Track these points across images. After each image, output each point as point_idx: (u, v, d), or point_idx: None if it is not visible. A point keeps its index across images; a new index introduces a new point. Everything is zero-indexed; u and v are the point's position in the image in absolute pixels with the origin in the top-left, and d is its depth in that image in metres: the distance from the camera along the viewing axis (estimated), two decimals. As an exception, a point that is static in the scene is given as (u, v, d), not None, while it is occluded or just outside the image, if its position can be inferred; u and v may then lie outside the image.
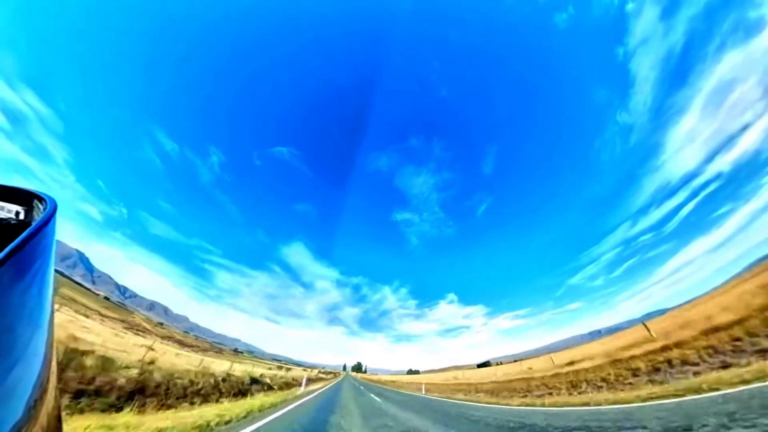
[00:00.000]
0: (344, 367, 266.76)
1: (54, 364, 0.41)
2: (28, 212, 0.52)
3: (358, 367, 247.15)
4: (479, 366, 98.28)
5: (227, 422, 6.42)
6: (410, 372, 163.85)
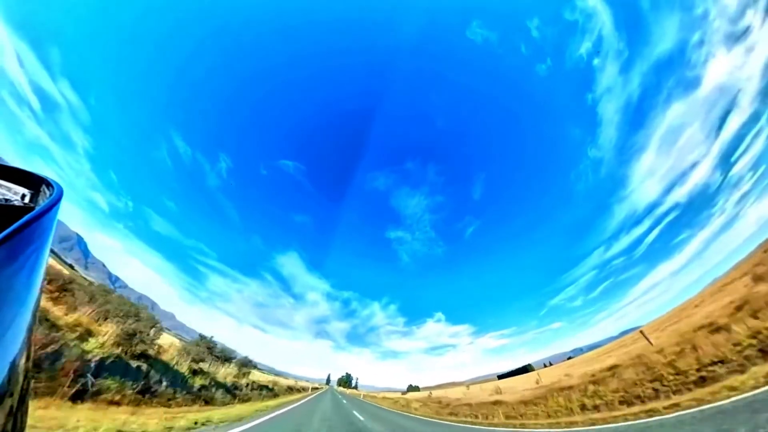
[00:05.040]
0: (328, 380, 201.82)
1: (31, 348, 0.41)
2: (34, 196, 0.50)
3: (346, 381, 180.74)
4: (500, 377, 74.44)
5: None
6: (410, 389, 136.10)
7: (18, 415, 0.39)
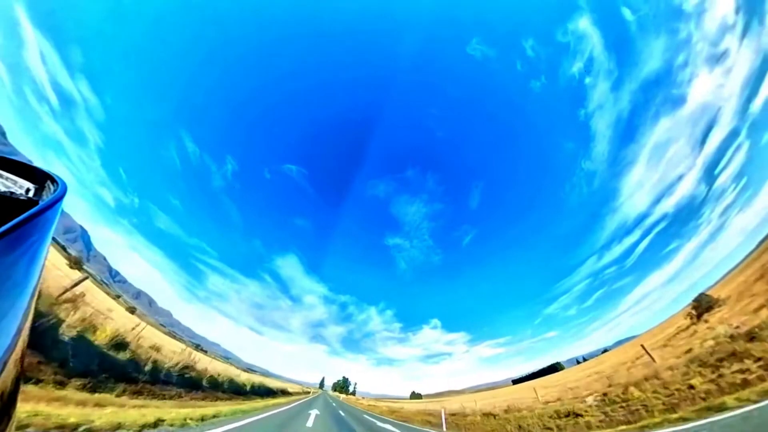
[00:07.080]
0: (321, 384, 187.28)
1: (24, 339, 0.41)
2: (39, 191, 0.51)
3: (343, 386, 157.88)
4: (515, 382, 66.68)
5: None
6: (414, 396, 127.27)
7: (8, 409, 0.38)
